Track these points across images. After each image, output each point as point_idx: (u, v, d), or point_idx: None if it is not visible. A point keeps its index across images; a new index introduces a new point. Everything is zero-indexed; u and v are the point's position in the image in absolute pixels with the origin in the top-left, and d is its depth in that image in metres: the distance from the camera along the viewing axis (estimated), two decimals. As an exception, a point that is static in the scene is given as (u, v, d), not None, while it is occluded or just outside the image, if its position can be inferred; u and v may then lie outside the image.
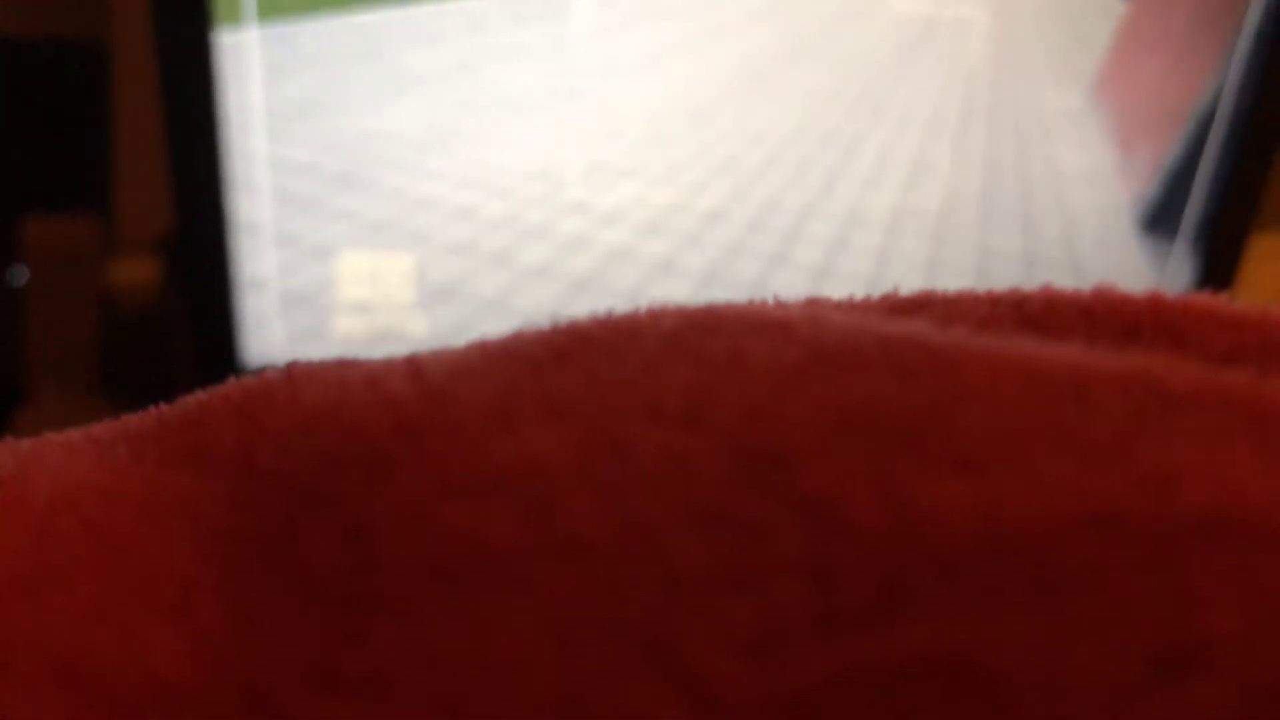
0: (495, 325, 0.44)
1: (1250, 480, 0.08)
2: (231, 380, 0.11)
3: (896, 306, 0.11)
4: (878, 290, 0.12)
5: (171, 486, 0.10)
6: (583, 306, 0.11)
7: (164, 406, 0.12)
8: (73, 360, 0.52)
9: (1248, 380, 0.09)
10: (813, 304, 0.12)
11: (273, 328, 0.43)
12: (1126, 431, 0.09)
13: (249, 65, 0.39)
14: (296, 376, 0.11)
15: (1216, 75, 0.44)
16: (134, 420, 0.12)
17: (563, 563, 0.09)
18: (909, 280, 0.46)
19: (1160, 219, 0.47)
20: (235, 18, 0.38)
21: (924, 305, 0.11)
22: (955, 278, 0.46)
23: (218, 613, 0.09)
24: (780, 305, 0.11)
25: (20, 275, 0.51)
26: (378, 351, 0.12)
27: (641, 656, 0.08)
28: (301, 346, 0.43)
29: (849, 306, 0.12)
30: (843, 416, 0.09)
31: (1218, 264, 0.47)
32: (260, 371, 0.12)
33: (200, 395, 0.11)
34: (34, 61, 0.51)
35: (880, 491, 0.09)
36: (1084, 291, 0.11)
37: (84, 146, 0.52)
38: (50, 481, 0.10)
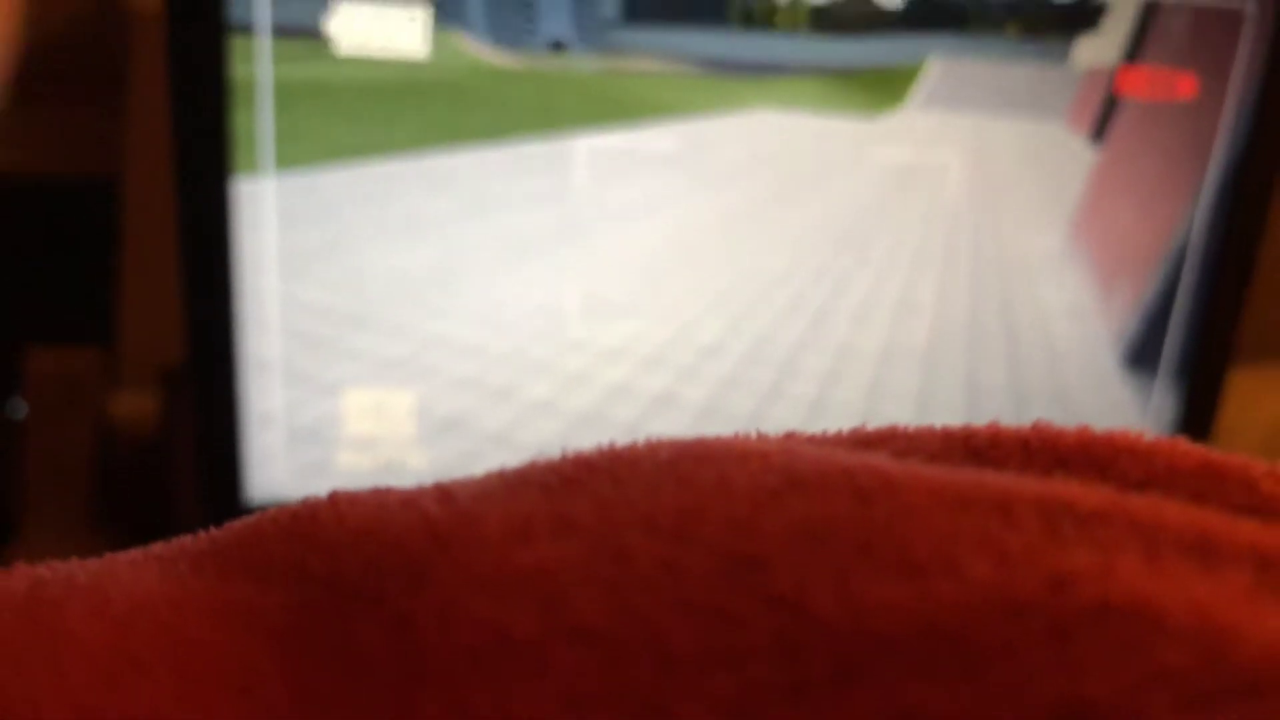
0: (497, 459, 0.45)
1: (1135, 581, 0.10)
2: (275, 508, 0.13)
3: (862, 440, 0.14)
4: (870, 423, 0.14)
5: (232, 594, 0.12)
6: (584, 441, 0.13)
7: (213, 530, 0.13)
8: (70, 494, 0.52)
9: (1149, 502, 0.11)
10: (790, 438, 0.14)
11: (277, 463, 0.43)
12: (1040, 542, 0.11)
13: (265, 211, 0.41)
14: (339, 500, 0.13)
15: (1186, 217, 0.46)
16: (188, 541, 0.13)
17: (573, 646, 0.11)
18: (900, 412, 0.47)
19: (1142, 355, 0.48)
20: (253, 167, 0.40)
21: (887, 439, 0.14)
22: (944, 410, 0.47)
23: (282, 694, 0.11)
24: (762, 439, 0.14)
25: (19, 408, 0.52)
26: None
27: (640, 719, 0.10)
28: (305, 482, 0.44)
29: (820, 440, 0.14)
30: (809, 529, 0.11)
31: (1198, 398, 0.48)
32: (277, 503, 0.13)
33: (248, 519, 0.13)
34: (40, 197, 0.53)
35: (837, 589, 0.11)
36: (1024, 428, 0.13)
37: (87, 280, 0.53)
38: (124, 592, 0.12)
